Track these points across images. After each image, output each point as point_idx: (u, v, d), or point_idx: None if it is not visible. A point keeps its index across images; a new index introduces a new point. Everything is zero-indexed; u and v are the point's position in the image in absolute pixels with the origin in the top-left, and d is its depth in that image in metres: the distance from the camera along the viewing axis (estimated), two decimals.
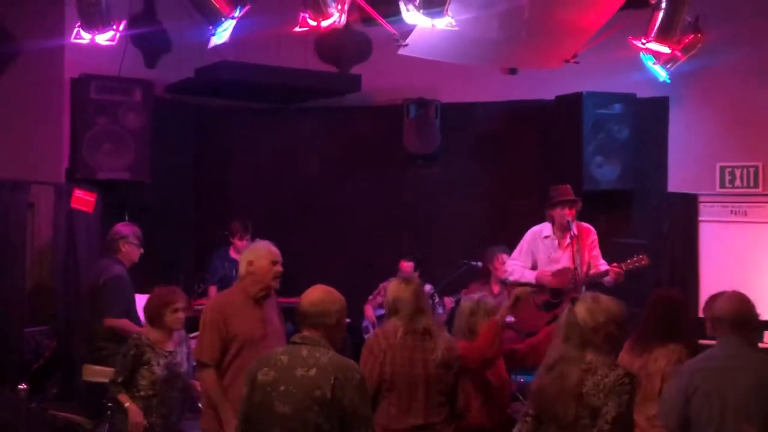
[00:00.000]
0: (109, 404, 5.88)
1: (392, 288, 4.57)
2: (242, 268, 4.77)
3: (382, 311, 7.96)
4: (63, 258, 7.19)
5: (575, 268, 6.37)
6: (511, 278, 6.78)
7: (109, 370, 5.90)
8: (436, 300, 7.70)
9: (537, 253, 6.74)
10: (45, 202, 7.36)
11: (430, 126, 8.48)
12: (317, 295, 3.77)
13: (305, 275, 7.92)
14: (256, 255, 4.78)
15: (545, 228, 6.73)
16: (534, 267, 6.76)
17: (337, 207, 8.77)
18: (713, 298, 4.47)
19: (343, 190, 8.80)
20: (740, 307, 4.09)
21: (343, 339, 4.04)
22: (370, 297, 7.99)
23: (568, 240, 6.55)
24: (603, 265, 6.60)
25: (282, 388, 3.53)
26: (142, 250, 6.30)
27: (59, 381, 6.99)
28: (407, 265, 8.03)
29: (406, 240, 8.51)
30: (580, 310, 3.62)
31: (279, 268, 4.79)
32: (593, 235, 6.72)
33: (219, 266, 8.04)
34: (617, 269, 6.42)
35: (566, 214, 6.53)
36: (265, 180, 8.97)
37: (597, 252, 6.71)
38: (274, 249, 4.85)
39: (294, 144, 8.94)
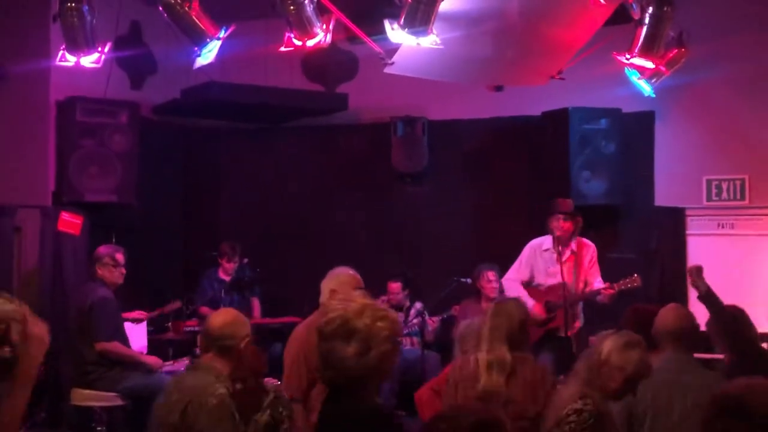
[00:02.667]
0: (98, 428, 5.84)
1: None
2: (324, 296, 4.60)
3: None
4: (50, 282, 7.14)
5: (564, 284, 6.37)
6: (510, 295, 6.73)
7: (98, 393, 5.88)
8: (426, 318, 7.69)
9: (536, 266, 6.72)
10: (31, 225, 7.31)
11: (417, 144, 8.49)
12: (222, 317, 3.65)
13: (294, 295, 7.99)
14: (339, 282, 4.63)
15: (546, 241, 6.71)
16: (531, 280, 6.74)
17: (326, 226, 8.76)
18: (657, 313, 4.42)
19: (331, 209, 8.79)
20: (682, 320, 4.13)
21: None
22: None
23: (567, 254, 6.55)
24: (598, 283, 6.61)
25: (158, 414, 3.50)
26: (122, 271, 6.18)
27: (48, 405, 6.92)
28: (395, 286, 8.03)
29: (395, 258, 8.50)
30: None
31: None
32: (592, 252, 6.71)
33: (208, 287, 8.02)
34: (610, 290, 6.42)
35: (561, 225, 6.52)
36: (254, 200, 8.95)
37: (595, 269, 6.70)
38: (357, 275, 4.70)
39: (282, 163, 8.93)
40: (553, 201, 6.71)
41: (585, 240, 6.71)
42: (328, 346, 2.69)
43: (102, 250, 6.25)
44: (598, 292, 6.49)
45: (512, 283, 6.75)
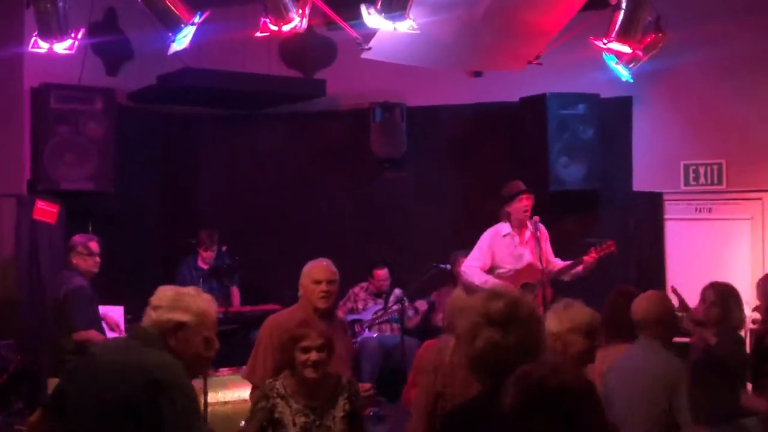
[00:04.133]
0: None
1: None
2: (303, 290, 4.60)
3: (352, 317, 7.95)
4: (26, 270, 7.10)
5: (540, 262, 6.38)
6: (475, 281, 6.48)
7: None
8: (406, 304, 7.69)
9: (497, 252, 6.65)
10: (7, 214, 7.26)
11: (396, 129, 8.47)
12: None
13: (274, 282, 7.98)
14: (303, 274, 4.60)
15: (503, 227, 6.68)
16: (494, 266, 6.68)
17: (305, 212, 8.74)
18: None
19: (311, 196, 8.77)
20: (653, 308, 4.15)
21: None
22: (341, 302, 7.96)
23: (527, 236, 6.57)
24: (557, 260, 6.63)
25: None
26: (96, 260, 6.13)
27: (25, 395, 6.88)
28: (382, 273, 8.03)
29: (375, 244, 8.49)
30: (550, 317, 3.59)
31: (324, 287, 4.51)
32: (545, 231, 6.72)
33: (187, 275, 7.98)
34: (591, 258, 6.45)
35: (527, 204, 6.54)
36: (232, 187, 8.91)
37: (549, 248, 6.73)
38: (324, 266, 4.61)
39: (260, 150, 8.89)
40: (506, 188, 6.68)
41: (537, 220, 6.63)
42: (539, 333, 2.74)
43: (76, 238, 6.19)
44: (579, 261, 6.49)
45: (474, 269, 6.58)
